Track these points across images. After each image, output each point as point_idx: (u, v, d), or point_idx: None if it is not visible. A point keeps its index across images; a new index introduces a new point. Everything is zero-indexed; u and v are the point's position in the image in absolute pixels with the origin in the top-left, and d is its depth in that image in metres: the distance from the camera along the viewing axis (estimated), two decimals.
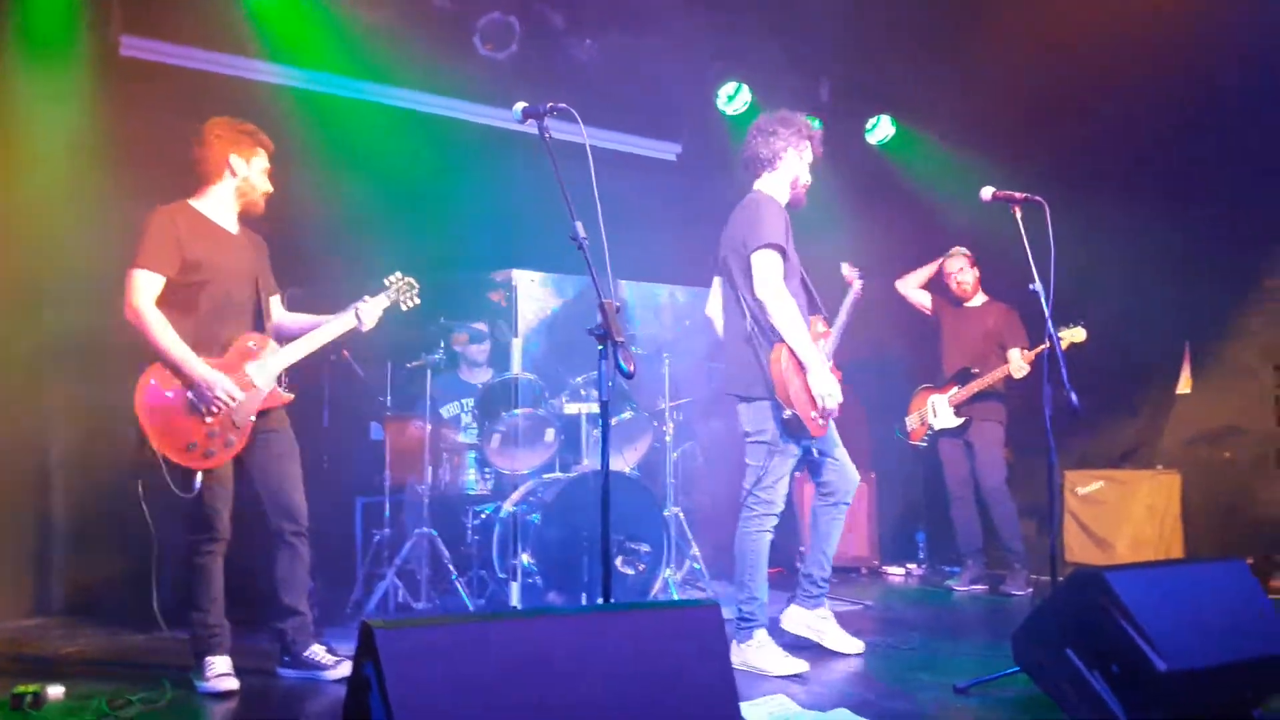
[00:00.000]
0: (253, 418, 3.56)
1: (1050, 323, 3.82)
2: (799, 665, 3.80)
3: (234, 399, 3.48)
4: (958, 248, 6.03)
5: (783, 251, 3.87)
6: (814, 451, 4.05)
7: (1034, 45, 5.69)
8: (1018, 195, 3.88)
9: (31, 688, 3.21)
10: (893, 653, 4.12)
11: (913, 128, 7.00)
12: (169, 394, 3.44)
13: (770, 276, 3.83)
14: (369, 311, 3.79)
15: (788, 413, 3.82)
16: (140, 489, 3.44)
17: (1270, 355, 5.77)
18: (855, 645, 4.09)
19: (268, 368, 3.59)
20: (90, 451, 4.82)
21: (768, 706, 3.21)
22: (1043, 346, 5.46)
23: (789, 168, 4.08)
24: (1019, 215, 3.89)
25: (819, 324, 4.11)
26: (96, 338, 3.92)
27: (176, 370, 3.44)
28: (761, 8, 5.96)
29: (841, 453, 4.11)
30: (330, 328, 3.74)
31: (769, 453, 3.89)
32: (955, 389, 5.88)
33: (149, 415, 3.41)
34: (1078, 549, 6.30)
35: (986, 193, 3.96)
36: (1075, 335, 5.27)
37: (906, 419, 6.12)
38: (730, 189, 6.93)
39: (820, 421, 3.91)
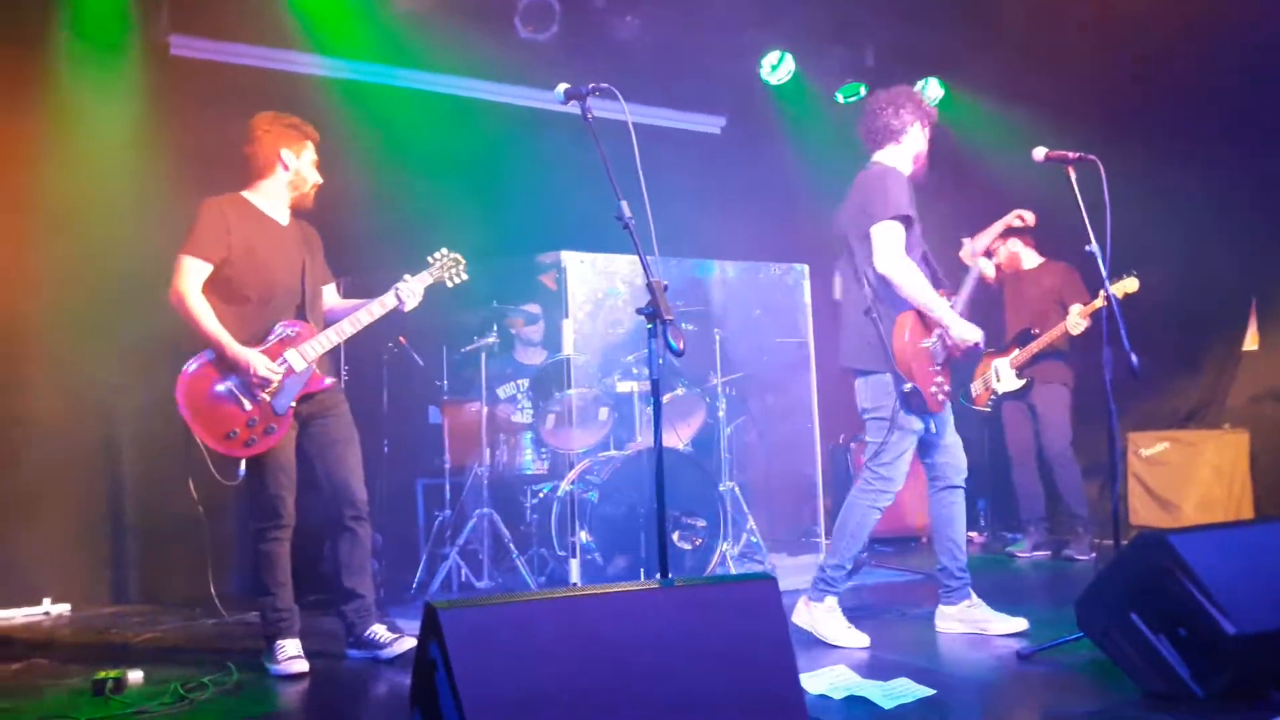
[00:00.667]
0: (293, 404, 3.60)
1: (1106, 283, 3.74)
2: (860, 639, 3.79)
3: (274, 374, 3.52)
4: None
5: (909, 222, 3.84)
6: (930, 429, 3.95)
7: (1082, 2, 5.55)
8: (1071, 155, 3.79)
9: (113, 674, 3.34)
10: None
11: (962, 90, 6.87)
12: (208, 383, 3.51)
13: (893, 249, 3.77)
14: (410, 290, 3.78)
15: (908, 385, 3.76)
16: (190, 480, 3.52)
17: None
18: (1017, 624, 3.87)
19: (305, 354, 3.63)
20: (158, 445, 4.96)
21: (828, 677, 3.21)
22: (1097, 304, 5.37)
23: (914, 141, 4.00)
24: (1073, 175, 3.80)
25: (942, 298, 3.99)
26: (158, 331, 4.02)
27: (218, 354, 3.51)
28: None
29: (953, 436, 4.02)
30: (370, 310, 3.75)
31: (889, 428, 3.84)
32: (1016, 351, 5.80)
33: (189, 403, 3.48)
34: (1143, 511, 6.19)
35: (1039, 153, 3.87)
36: (1129, 286, 5.12)
37: (971, 385, 6.05)
38: (777, 159, 6.93)
39: (940, 396, 3.86)
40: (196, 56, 5.56)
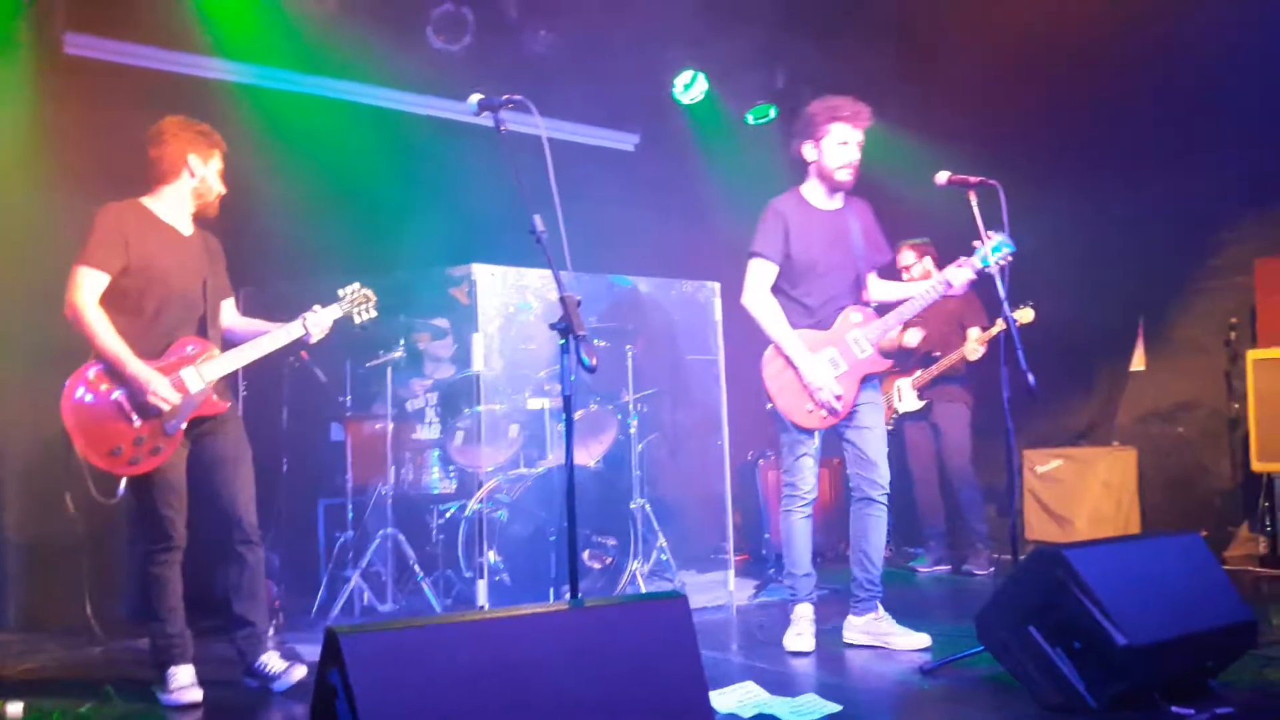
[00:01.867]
0: (183, 426, 3.45)
1: (1006, 305, 3.85)
2: (804, 644, 3.95)
3: (168, 402, 3.38)
4: (910, 240, 6.04)
5: (771, 259, 3.98)
6: (846, 440, 4.08)
7: (986, 29, 5.74)
8: (972, 179, 3.90)
9: None
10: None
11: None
12: (96, 396, 3.34)
13: (752, 285, 4.00)
14: (317, 322, 3.69)
15: (769, 405, 3.98)
16: (69, 498, 3.36)
17: (1219, 331, 5.89)
18: (919, 640, 3.95)
19: (204, 374, 3.48)
20: (41, 461, 4.71)
21: (737, 694, 3.22)
22: (994, 331, 5.56)
23: (816, 159, 4.06)
24: (974, 199, 3.91)
25: (854, 314, 4.05)
26: (47, 341, 3.82)
27: (113, 368, 3.36)
28: None
29: (868, 446, 4.05)
30: (274, 337, 3.63)
31: (783, 443, 4.07)
32: (919, 372, 5.95)
33: (74, 417, 3.31)
34: (1038, 527, 6.39)
35: (941, 177, 3.97)
36: (1024, 316, 5.34)
37: None
38: (689, 177, 6.98)
39: (818, 415, 3.95)
40: (93, 56, 5.33)
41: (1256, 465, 5.48)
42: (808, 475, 4.02)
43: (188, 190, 3.60)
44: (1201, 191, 5.94)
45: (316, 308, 3.72)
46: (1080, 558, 2.92)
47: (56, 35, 5.21)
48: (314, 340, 3.70)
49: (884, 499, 4.07)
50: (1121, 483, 6.20)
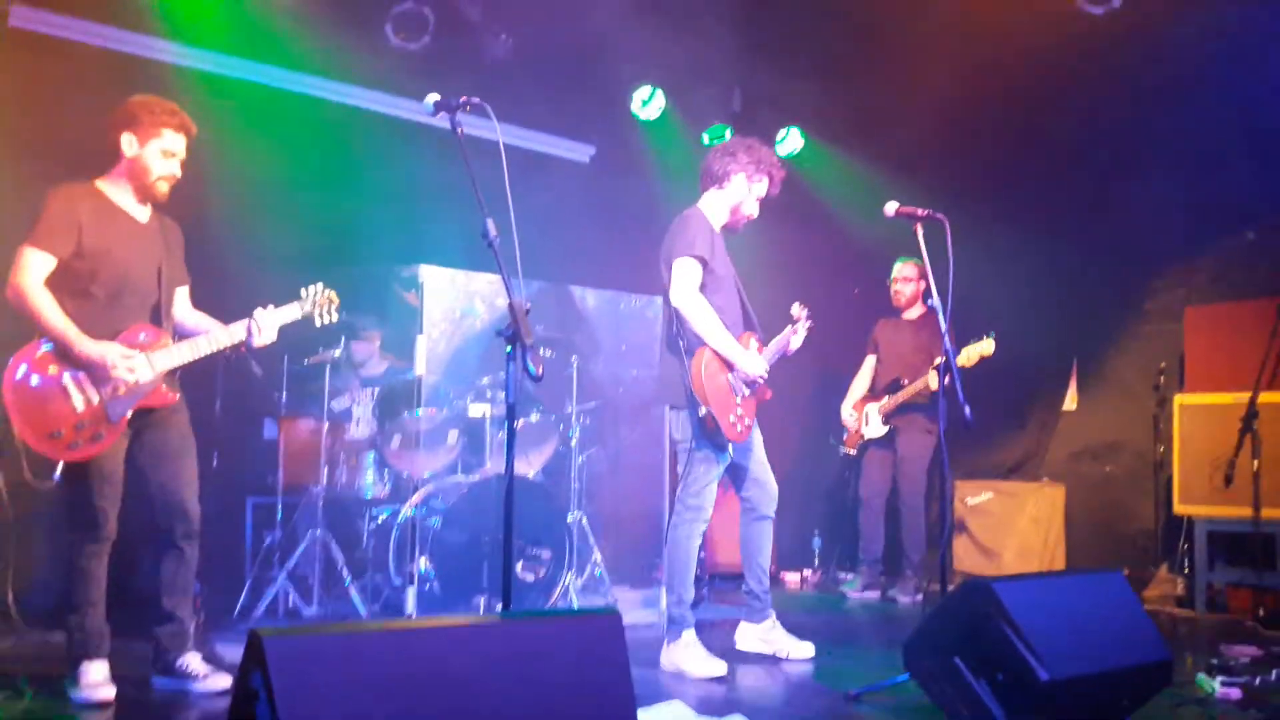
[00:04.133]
0: (128, 414, 3.36)
1: (946, 338, 3.91)
2: (718, 668, 3.87)
3: (132, 372, 3.29)
4: (911, 258, 6.10)
5: (703, 262, 3.97)
6: (737, 462, 4.11)
7: (937, 65, 5.85)
8: (919, 211, 3.97)
9: None
10: (787, 660, 4.15)
11: (821, 141, 7.13)
12: (41, 377, 3.24)
13: (685, 284, 3.95)
14: (267, 323, 3.54)
15: (702, 410, 3.89)
16: (0, 480, 3.24)
17: (1148, 374, 6.05)
18: (807, 649, 4.12)
19: (155, 364, 3.38)
20: None
21: (665, 713, 3.20)
22: (961, 361, 5.64)
23: (735, 192, 4.14)
24: (920, 232, 3.97)
25: (752, 340, 4.16)
26: None
27: (66, 350, 3.25)
28: (677, 13, 5.98)
29: (761, 467, 4.18)
30: (216, 337, 3.51)
31: (693, 459, 4.00)
32: (886, 399, 6.01)
33: (14, 396, 3.19)
34: (966, 558, 6.49)
35: (890, 208, 4.04)
36: (985, 348, 5.45)
37: (844, 428, 6.23)
38: (643, 193, 6.99)
39: (739, 427, 3.98)
40: (40, 30, 5.16)
41: (1178, 508, 5.63)
42: (712, 500, 4.05)
43: (124, 171, 3.48)
44: (1137, 240, 6.13)
45: (270, 306, 3.58)
46: (1008, 591, 2.96)
47: (2, 7, 5.05)
48: (258, 344, 3.54)
49: (773, 513, 4.21)
50: (1049, 518, 6.33)
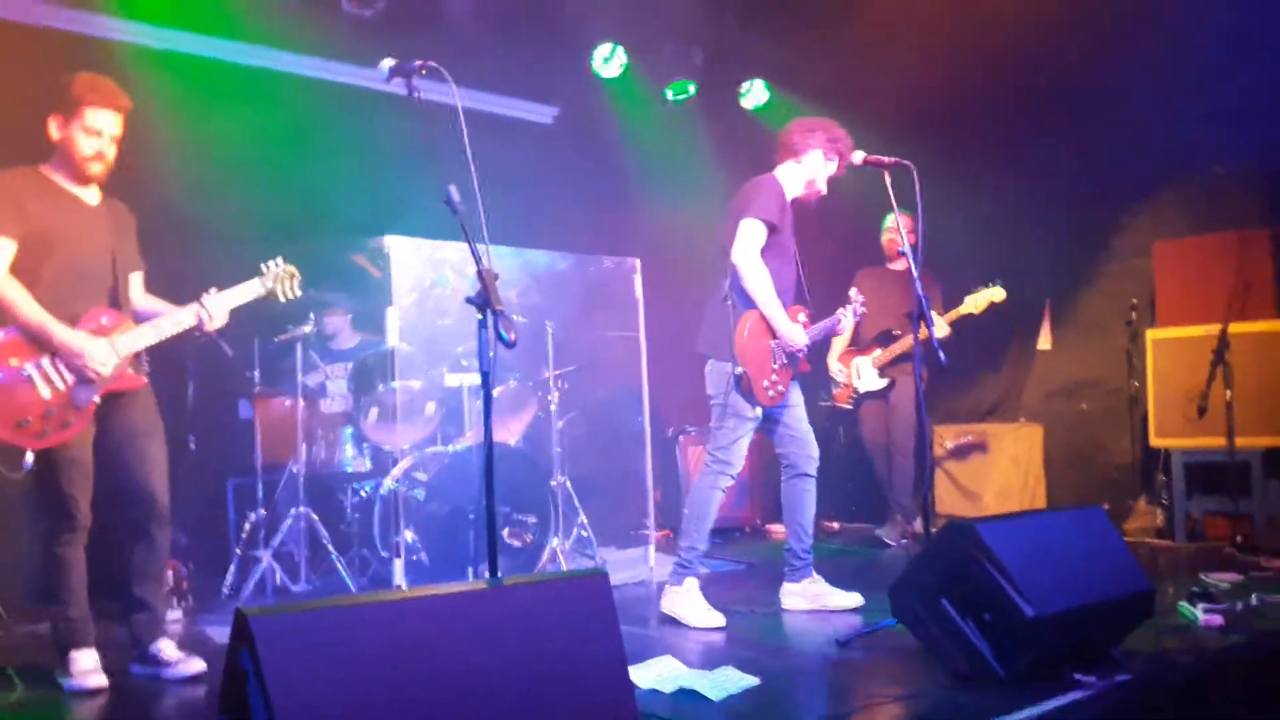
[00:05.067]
0: (96, 400, 3.31)
1: (918, 284, 3.92)
2: (717, 620, 3.93)
3: (108, 366, 3.25)
4: (905, 210, 6.07)
5: (772, 228, 4.03)
6: (774, 420, 4.17)
7: (901, 13, 5.81)
8: (887, 160, 3.97)
9: None
10: (775, 611, 4.20)
11: (786, 93, 7.07)
12: (5, 363, 3.18)
13: (749, 244, 4.01)
14: (216, 307, 3.47)
15: (739, 369, 3.97)
16: None
17: (1120, 311, 6.10)
18: (854, 599, 4.16)
19: (119, 348, 3.33)
20: None
21: (656, 669, 3.23)
22: (962, 310, 5.65)
23: (811, 167, 4.21)
24: (889, 179, 3.97)
25: (801, 314, 4.22)
26: None
27: (37, 338, 3.19)
28: None
29: (800, 425, 4.21)
30: (159, 325, 3.42)
31: (725, 414, 4.06)
32: (878, 351, 5.97)
33: None
34: (948, 500, 6.56)
35: (857, 157, 4.08)
36: (994, 294, 5.50)
37: (831, 382, 6.20)
38: (607, 153, 6.93)
39: (771, 393, 4.05)
40: None
41: (1154, 441, 5.71)
42: (741, 456, 4.11)
43: (60, 155, 3.38)
44: (1101, 177, 6.14)
45: (213, 290, 3.48)
46: (991, 531, 2.99)
47: None
48: (210, 328, 3.46)
49: (815, 472, 4.22)
50: (1028, 458, 6.41)
